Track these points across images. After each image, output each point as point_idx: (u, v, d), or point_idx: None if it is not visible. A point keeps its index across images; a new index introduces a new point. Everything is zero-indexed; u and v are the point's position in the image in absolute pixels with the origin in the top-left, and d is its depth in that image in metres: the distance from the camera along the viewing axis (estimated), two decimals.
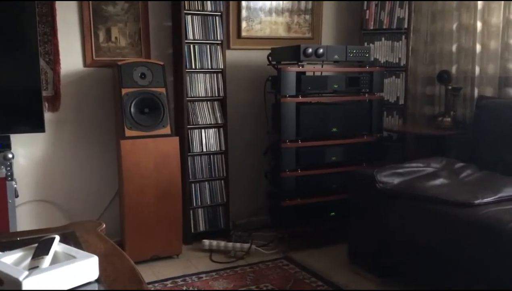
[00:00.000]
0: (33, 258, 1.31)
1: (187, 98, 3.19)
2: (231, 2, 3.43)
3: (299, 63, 3.06)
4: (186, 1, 3.10)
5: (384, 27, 3.58)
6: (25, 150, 2.99)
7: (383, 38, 3.60)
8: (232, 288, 2.63)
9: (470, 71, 3.19)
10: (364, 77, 3.24)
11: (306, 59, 3.04)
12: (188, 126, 3.20)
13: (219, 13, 3.23)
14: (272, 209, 3.40)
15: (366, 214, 2.70)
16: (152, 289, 2.61)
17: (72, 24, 3.04)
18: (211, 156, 3.29)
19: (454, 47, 3.28)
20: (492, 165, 2.67)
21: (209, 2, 3.17)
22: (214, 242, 3.12)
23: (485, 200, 2.19)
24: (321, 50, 3.05)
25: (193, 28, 3.15)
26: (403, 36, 3.54)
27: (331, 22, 3.84)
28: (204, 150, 3.25)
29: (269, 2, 3.56)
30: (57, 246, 1.39)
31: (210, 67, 3.23)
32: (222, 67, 3.27)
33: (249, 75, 3.55)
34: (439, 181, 2.48)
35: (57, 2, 2.95)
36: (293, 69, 3.03)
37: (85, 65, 3.10)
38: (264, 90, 3.38)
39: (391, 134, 3.59)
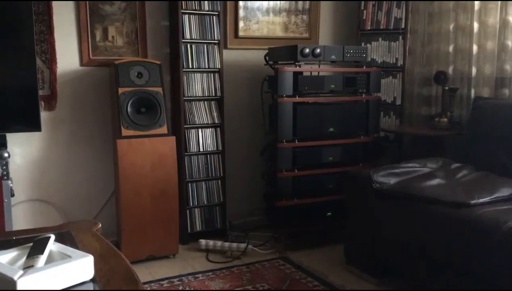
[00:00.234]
0: (28, 257, 1.31)
1: (184, 98, 3.18)
2: (228, 2, 3.43)
3: (296, 63, 3.06)
4: (183, 1, 3.09)
5: (381, 27, 3.59)
6: (21, 149, 2.98)
7: (380, 39, 3.60)
8: (229, 288, 2.63)
9: (466, 72, 3.20)
10: (361, 77, 3.24)
11: (303, 59, 3.04)
12: (185, 126, 3.20)
13: (216, 13, 3.23)
14: (268, 209, 3.40)
15: (362, 214, 2.70)
16: (148, 289, 2.61)
17: (69, 23, 3.03)
18: (208, 156, 3.29)
19: (451, 48, 3.29)
20: (488, 166, 2.67)
21: (206, 2, 3.16)
22: (211, 242, 3.12)
23: (481, 200, 2.20)
24: (318, 50, 3.05)
25: (190, 28, 3.15)
26: (400, 37, 3.54)
27: (329, 22, 3.84)
28: (201, 149, 3.25)
29: (267, 2, 3.56)
30: (52, 245, 1.38)
31: (207, 67, 3.23)
32: (219, 67, 3.27)
33: (246, 75, 3.55)
34: (435, 181, 2.48)
35: (53, 1, 2.94)
36: (290, 69, 3.03)
37: (81, 64, 3.10)
38: (261, 90, 3.38)
39: (388, 135, 3.60)
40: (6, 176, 2.62)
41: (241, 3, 3.48)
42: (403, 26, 3.53)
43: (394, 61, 3.57)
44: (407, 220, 2.40)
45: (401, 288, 2.59)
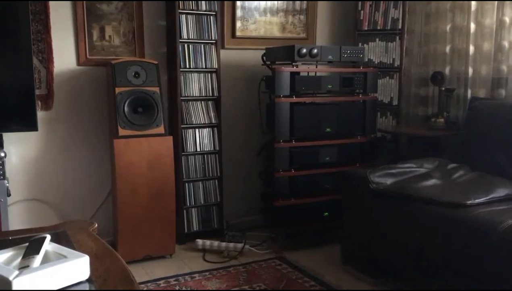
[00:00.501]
0: (23, 257, 1.31)
1: (181, 98, 3.18)
2: (225, 2, 3.42)
3: (293, 64, 3.06)
4: (180, 1, 3.09)
5: (379, 28, 3.59)
6: (18, 148, 2.98)
7: (377, 39, 3.61)
8: (225, 288, 2.63)
9: (463, 73, 3.21)
10: (358, 77, 3.25)
11: (300, 59, 3.04)
12: (182, 126, 3.20)
13: (214, 13, 3.23)
14: (265, 209, 3.40)
15: (359, 214, 2.70)
16: (145, 289, 2.61)
17: (66, 22, 3.02)
18: (205, 156, 3.29)
19: (447, 48, 3.30)
20: (485, 166, 2.68)
21: (203, 2, 3.16)
22: (208, 242, 3.12)
23: (477, 200, 2.21)
24: (315, 51, 3.05)
25: (187, 28, 3.15)
26: (397, 37, 3.55)
27: (326, 23, 3.84)
28: (198, 149, 3.25)
29: (264, 2, 3.56)
30: (48, 245, 1.38)
31: (204, 66, 3.23)
32: (216, 67, 3.26)
33: (243, 75, 3.55)
34: (431, 182, 2.49)
35: (50, 0, 2.93)
36: (287, 69, 3.04)
37: (78, 63, 3.09)
38: (258, 90, 3.38)
39: (384, 135, 3.60)
40: (2, 175, 2.62)
41: (238, 3, 3.48)
42: (400, 26, 3.53)
43: (391, 62, 3.57)
44: (403, 220, 2.40)
45: (398, 288, 2.60)
